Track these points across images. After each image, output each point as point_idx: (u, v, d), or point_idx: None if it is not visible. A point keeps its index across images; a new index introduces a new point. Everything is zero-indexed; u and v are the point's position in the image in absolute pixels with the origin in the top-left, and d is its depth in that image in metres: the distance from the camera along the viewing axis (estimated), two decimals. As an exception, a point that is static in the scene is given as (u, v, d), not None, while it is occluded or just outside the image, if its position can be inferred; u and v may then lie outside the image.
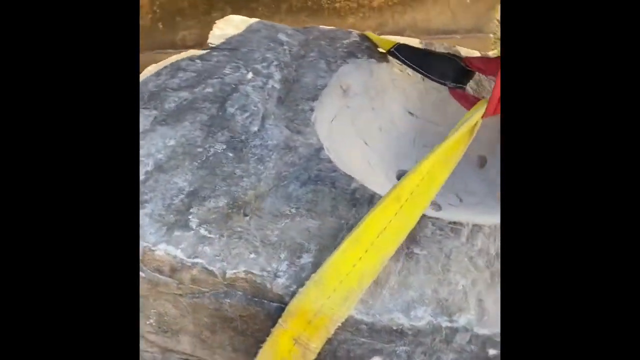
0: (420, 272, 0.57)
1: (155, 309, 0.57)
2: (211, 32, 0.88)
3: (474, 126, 0.62)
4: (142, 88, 0.73)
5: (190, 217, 0.57)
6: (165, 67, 0.77)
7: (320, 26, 0.97)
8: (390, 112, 0.90)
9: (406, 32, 1.47)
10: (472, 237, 0.62)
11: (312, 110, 0.75)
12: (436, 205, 0.76)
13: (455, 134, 0.61)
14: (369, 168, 0.80)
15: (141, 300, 0.55)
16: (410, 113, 0.92)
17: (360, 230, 0.55)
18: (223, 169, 0.63)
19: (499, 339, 0.53)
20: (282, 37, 0.89)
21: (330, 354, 0.54)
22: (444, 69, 0.83)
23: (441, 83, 0.85)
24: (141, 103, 0.69)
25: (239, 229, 0.57)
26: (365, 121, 0.86)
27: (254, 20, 0.95)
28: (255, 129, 0.69)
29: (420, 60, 0.84)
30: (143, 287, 0.55)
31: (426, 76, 0.85)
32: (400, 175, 0.86)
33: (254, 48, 0.84)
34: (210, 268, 0.53)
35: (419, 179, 0.58)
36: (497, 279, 0.58)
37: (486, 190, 0.84)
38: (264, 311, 0.54)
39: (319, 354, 0.53)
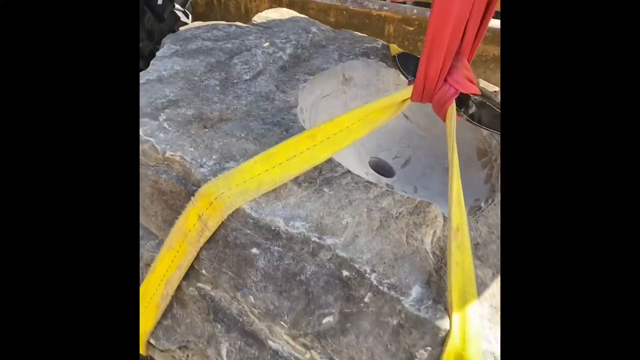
0: (318, 203, 0.69)
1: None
2: (258, 14, 1.08)
3: (402, 102, 0.73)
4: (181, 34, 0.93)
5: (161, 113, 0.74)
6: (208, 24, 0.98)
7: (355, 32, 1.13)
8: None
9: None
10: (380, 197, 0.72)
11: (305, 81, 0.91)
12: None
13: (382, 101, 0.72)
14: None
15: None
16: (405, 116, 1.04)
17: (273, 151, 0.68)
18: (205, 94, 0.80)
19: (356, 265, 0.63)
20: (313, 29, 1.06)
21: (223, 238, 0.67)
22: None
23: (404, 75, 0.95)
24: (171, 40, 0.89)
25: (192, 132, 0.73)
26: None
27: (301, 15, 1.13)
28: (247, 77, 0.86)
29: (408, 63, 0.96)
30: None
31: (401, 72, 0.96)
32: (375, 162, 0.98)
33: (283, 30, 1.02)
34: (156, 146, 0.70)
35: (338, 129, 0.70)
36: (384, 231, 0.68)
37: (442, 189, 0.92)
38: (186, 191, 0.69)
39: (216, 235, 0.67)
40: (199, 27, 0.96)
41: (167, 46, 0.88)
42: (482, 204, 0.87)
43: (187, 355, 0.79)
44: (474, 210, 0.85)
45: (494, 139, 0.95)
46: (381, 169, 0.97)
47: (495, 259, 0.69)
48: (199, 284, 0.72)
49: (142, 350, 0.85)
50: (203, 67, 0.85)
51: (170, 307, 0.76)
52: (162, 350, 0.80)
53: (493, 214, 0.77)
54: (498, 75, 1.57)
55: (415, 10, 1.46)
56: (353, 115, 0.71)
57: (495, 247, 0.71)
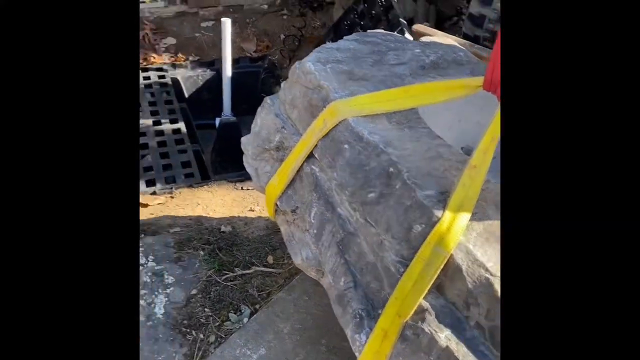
0: (394, 132, 1.06)
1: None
2: (427, 36, 1.49)
3: (475, 87, 1.06)
4: (366, 33, 1.40)
5: (328, 64, 1.20)
6: (389, 33, 1.43)
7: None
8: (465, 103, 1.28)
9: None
10: (440, 146, 1.06)
11: (434, 78, 1.28)
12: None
13: (461, 80, 1.06)
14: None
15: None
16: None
17: (379, 93, 1.08)
18: (360, 63, 1.24)
19: (399, 167, 0.98)
20: (461, 53, 1.42)
21: (332, 135, 1.09)
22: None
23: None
24: (358, 34, 1.36)
25: (340, 78, 1.17)
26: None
27: (460, 45, 1.50)
28: (393, 63, 1.27)
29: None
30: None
31: None
32: (466, 150, 1.29)
33: (438, 47, 1.41)
34: (318, 78, 1.16)
35: (425, 90, 1.07)
36: (431, 162, 1.01)
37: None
38: (323, 106, 1.13)
39: (329, 133, 1.09)
40: (380, 32, 1.42)
41: (353, 36, 1.35)
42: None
43: (294, 218, 1.22)
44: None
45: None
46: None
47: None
48: (312, 165, 1.14)
49: (270, 212, 1.30)
50: (367, 50, 1.30)
51: (294, 181, 1.20)
52: (281, 211, 1.25)
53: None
54: None
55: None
56: (438, 84, 1.07)
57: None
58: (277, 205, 1.25)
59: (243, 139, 1.39)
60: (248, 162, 1.38)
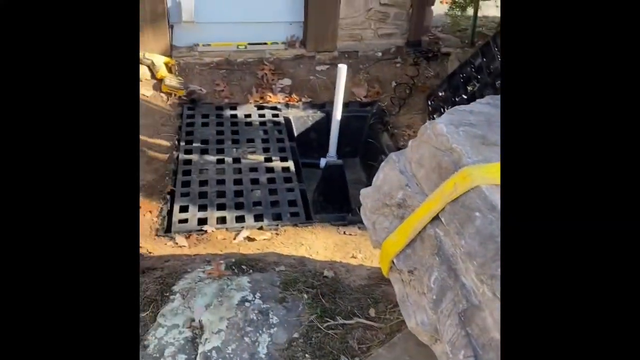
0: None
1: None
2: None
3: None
4: (498, 97, 1.37)
5: (460, 127, 1.19)
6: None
7: None
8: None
9: None
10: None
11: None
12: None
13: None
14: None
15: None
16: None
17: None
18: (493, 128, 1.21)
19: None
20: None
21: (462, 201, 1.06)
22: None
23: None
24: (491, 97, 1.34)
25: (474, 142, 1.15)
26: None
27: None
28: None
29: None
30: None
31: None
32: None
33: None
34: (450, 141, 1.15)
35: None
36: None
37: None
38: (454, 169, 1.12)
39: (459, 198, 1.07)
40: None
41: (486, 99, 1.33)
42: None
43: (411, 279, 1.19)
44: None
45: None
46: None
47: None
48: (437, 229, 1.12)
49: (385, 269, 1.29)
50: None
51: (414, 241, 1.18)
52: (397, 270, 1.23)
53: None
54: None
55: None
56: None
57: None
58: (393, 263, 1.24)
59: (363, 191, 1.41)
60: (365, 215, 1.39)
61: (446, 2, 3.92)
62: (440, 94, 2.99)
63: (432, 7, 3.59)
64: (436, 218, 1.12)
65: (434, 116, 2.98)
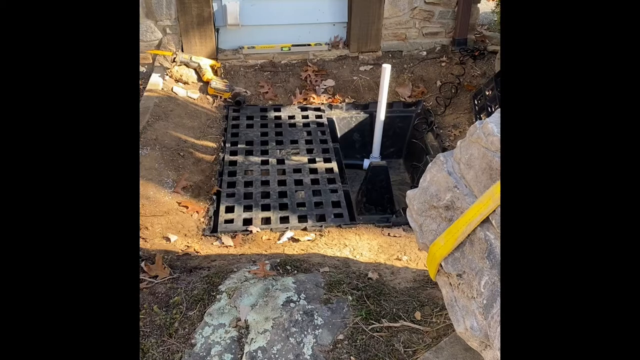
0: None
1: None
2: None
3: None
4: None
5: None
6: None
7: None
8: None
9: None
10: None
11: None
12: None
13: None
14: None
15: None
16: None
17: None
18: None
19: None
20: None
21: (515, 204, 1.03)
22: None
23: None
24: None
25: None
26: None
27: None
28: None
29: None
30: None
31: None
32: None
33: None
34: (496, 142, 1.11)
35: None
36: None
37: None
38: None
39: (510, 201, 1.04)
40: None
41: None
42: None
43: (459, 283, 1.17)
44: None
45: None
46: None
47: None
48: (487, 231, 1.09)
49: (432, 273, 1.26)
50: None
51: (463, 244, 1.15)
52: (445, 273, 1.20)
53: None
54: None
55: None
56: None
57: None
58: (441, 266, 1.22)
59: (409, 193, 1.39)
60: (412, 217, 1.36)
61: (493, 0, 3.83)
62: (487, 92, 2.92)
63: (478, 5, 3.51)
64: (486, 220, 1.09)
65: (481, 116, 2.91)
